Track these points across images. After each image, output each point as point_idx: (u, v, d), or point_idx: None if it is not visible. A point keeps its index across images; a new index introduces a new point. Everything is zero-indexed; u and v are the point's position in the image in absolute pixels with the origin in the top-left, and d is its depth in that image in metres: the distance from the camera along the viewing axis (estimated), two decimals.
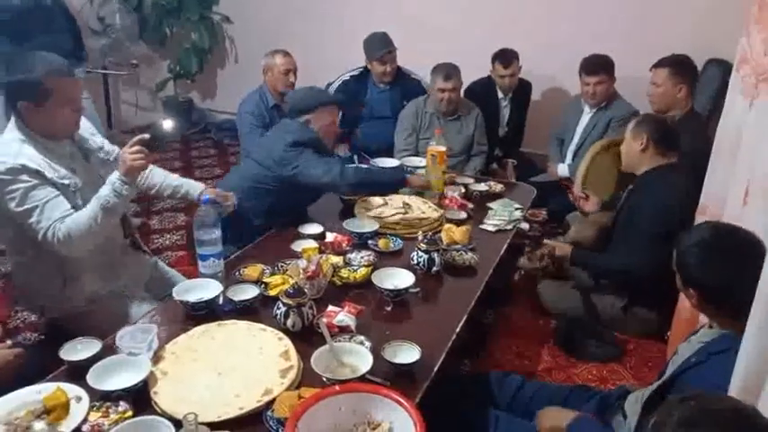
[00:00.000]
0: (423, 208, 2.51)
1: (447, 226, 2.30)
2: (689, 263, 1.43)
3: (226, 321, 1.70)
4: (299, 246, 2.11)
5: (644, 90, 2.97)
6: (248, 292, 1.82)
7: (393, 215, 2.41)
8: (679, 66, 2.85)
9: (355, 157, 2.96)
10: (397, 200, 2.55)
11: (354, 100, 3.63)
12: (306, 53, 3.69)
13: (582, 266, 2.52)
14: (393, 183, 2.51)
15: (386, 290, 1.85)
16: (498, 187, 2.81)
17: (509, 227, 2.44)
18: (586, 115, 3.39)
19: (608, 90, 3.27)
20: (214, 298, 1.77)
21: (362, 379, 1.43)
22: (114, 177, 1.79)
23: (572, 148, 3.46)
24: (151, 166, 2.06)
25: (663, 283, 1.81)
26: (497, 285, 2.31)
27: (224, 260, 1.95)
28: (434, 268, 2.01)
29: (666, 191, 2.29)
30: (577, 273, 2.58)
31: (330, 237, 2.19)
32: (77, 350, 1.53)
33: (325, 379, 1.43)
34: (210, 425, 1.27)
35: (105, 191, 1.79)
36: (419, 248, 2.03)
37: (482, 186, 2.78)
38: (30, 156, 1.77)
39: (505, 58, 3.60)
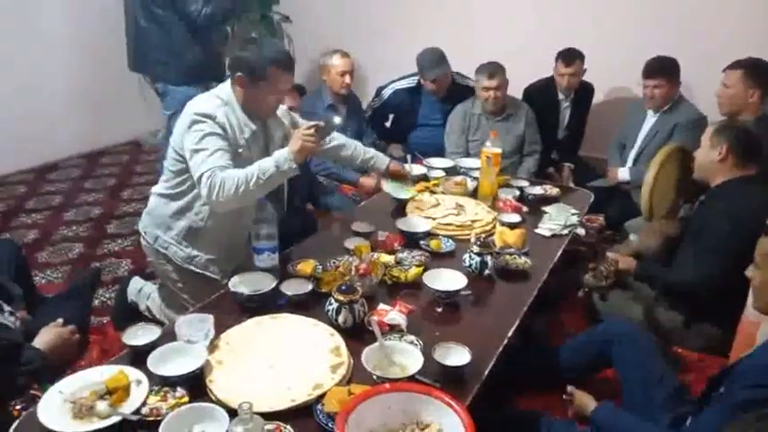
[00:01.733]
0: (476, 210, 2.49)
1: (500, 229, 2.27)
2: None
3: (278, 315, 1.73)
4: (351, 243, 2.13)
5: (713, 96, 2.85)
6: (301, 287, 1.85)
7: (445, 216, 2.40)
8: (754, 69, 2.71)
9: (409, 157, 2.95)
10: (449, 201, 2.53)
11: (408, 110, 3.64)
12: (362, 54, 3.72)
13: (647, 281, 2.41)
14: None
15: (437, 291, 1.84)
16: (554, 191, 2.75)
17: (565, 232, 2.39)
18: (650, 119, 3.28)
19: (668, 94, 3.16)
20: (268, 291, 1.81)
21: (412, 379, 1.42)
22: (284, 152, 1.90)
23: (633, 153, 3.35)
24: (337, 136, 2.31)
25: (729, 299, 1.73)
26: (551, 291, 2.26)
27: (278, 254, 1.99)
28: (486, 271, 1.99)
29: (741, 204, 2.14)
30: (638, 284, 2.48)
31: (382, 235, 2.20)
32: (138, 335, 1.59)
33: (375, 377, 1.43)
34: (263, 415, 1.29)
35: (269, 161, 1.90)
36: (471, 251, 2.01)
37: (537, 189, 2.73)
38: (223, 114, 1.96)
39: (568, 55, 3.54)
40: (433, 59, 3.49)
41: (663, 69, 3.14)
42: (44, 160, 4.45)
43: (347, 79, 3.33)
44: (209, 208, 2.05)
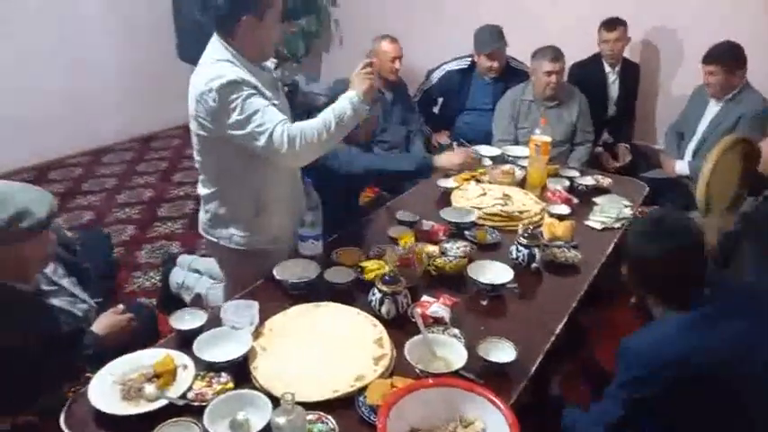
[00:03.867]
0: (524, 200, 2.42)
1: (549, 221, 2.20)
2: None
3: (322, 303, 1.73)
4: (395, 232, 2.10)
5: None
6: (344, 276, 1.84)
7: (492, 206, 2.34)
8: None
9: (455, 144, 2.90)
10: (496, 190, 2.47)
11: (457, 92, 3.57)
12: (409, 39, 3.66)
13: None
14: (404, 170, 2.38)
15: (482, 283, 1.80)
16: (606, 182, 2.65)
17: (617, 225, 2.30)
18: (712, 108, 3.12)
19: (725, 82, 3.00)
20: (312, 279, 1.81)
21: (456, 374, 1.40)
22: (352, 94, 1.82)
23: (693, 144, 3.19)
24: None
25: None
26: (603, 286, 2.18)
27: (322, 242, 1.99)
28: (534, 264, 1.94)
29: None
30: None
31: (426, 225, 2.17)
32: (185, 319, 1.62)
33: (418, 370, 1.42)
34: (305, 405, 1.29)
35: (342, 104, 1.80)
36: (519, 243, 1.96)
37: (588, 180, 2.63)
38: (240, 73, 1.77)
39: (610, 21, 3.51)
40: (493, 32, 3.43)
41: (720, 56, 2.98)
42: (99, 143, 4.60)
43: (396, 65, 3.30)
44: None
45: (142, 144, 4.77)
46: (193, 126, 1.89)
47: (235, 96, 1.72)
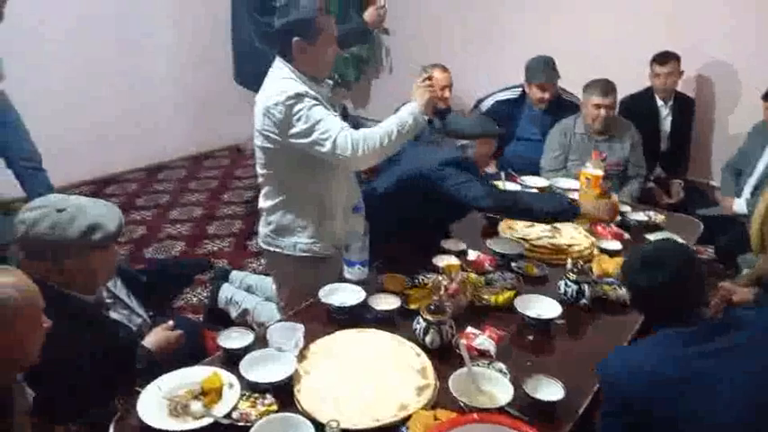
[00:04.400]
0: (572, 233, 2.38)
1: (599, 256, 2.16)
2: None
3: (366, 329, 1.73)
4: (440, 261, 2.10)
5: None
6: (389, 303, 1.84)
7: (539, 238, 2.31)
8: None
9: (502, 174, 2.87)
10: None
11: (506, 122, 3.56)
12: (459, 68, 3.69)
13: None
14: (553, 211, 2.22)
15: (529, 317, 1.77)
16: (659, 218, 2.57)
17: None
18: None
19: None
20: (357, 304, 1.81)
21: (501, 410, 1.37)
22: (413, 105, 1.94)
23: (752, 180, 3.08)
24: None
25: None
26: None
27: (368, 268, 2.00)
28: (583, 300, 1.89)
29: None
30: None
31: (472, 255, 2.16)
32: (233, 338, 1.64)
33: (462, 404, 1.40)
34: None
35: (404, 114, 1.92)
36: (567, 277, 1.92)
37: (640, 216, 2.57)
38: (303, 87, 1.93)
39: (663, 55, 3.45)
40: (545, 63, 3.42)
41: None
42: (154, 160, 4.77)
43: (446, 93, 3.31)
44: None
45: (194, 162, 4.92)
46: (259, 141, 2.02)
47: (299, 107, 1.87)
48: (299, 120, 1.87)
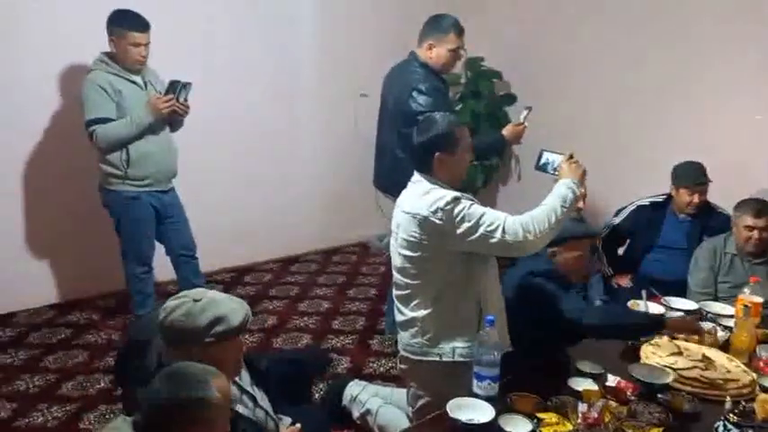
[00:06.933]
0: (728, 366, 2.13)
1: (762, 396, 1.90)
2: None
3: None
4: (576, 383, 1.96)
5: None
6: (520, 425, 1.74)
7: (690, 368, 2.10)
8: None
9: (643, 292, 2.67)
10: (694, 351, 2.22)
11: (647, 228, 3.40)
12: (594, 180, 3.62)
13: None
14: (639, 323, 2.26)
15: None
16: None
17: None
18: None
19: None
20: (485, 423, 1.73)
21: None
22: (567, 180, 2.08)
23: None
24: None
25: None
26: None
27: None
28: None
29: None
30: None
31: (612, 380, 2.00)
32: None
33: None
34: None
35: (562, 190, 2.06)
36: (727, 419, 1.71)
37: None
38: (453, 192, 2.03)
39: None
40: (696, 168, 3.29)
41: None
42: (289, 252, 5.07)
43: (579, 204, 3.23)
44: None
45: (325, 257, 5.16)
46: (406, 253, 2.09)
47: (460, 209, 1.97)
48: (461, 220, 1.95)
